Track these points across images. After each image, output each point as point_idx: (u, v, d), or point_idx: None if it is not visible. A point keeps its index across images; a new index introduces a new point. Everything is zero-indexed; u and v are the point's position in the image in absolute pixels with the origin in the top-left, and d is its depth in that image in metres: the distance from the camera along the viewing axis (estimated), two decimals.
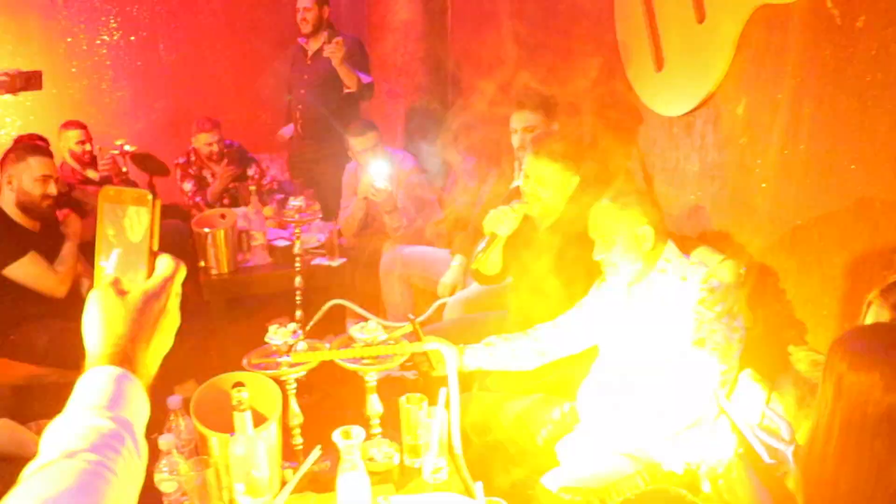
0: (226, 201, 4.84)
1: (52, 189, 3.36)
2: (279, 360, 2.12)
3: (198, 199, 4.88)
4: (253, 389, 1.90)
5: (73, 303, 3.36)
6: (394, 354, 2.20)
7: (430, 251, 4.11)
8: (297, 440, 2.19)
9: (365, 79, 4.88)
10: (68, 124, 4.91)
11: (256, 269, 3.99)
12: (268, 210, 4.38)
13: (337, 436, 1.90)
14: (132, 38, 5.96)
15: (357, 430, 1.92)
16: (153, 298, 0.90)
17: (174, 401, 2.01)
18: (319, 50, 4.86)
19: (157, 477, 1.83)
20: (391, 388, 3.60)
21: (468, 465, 2.03)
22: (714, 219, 2.83)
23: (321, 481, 2.04)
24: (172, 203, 5.08)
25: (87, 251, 3.66)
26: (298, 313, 3.21)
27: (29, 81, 3.50)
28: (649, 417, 2.23)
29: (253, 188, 4.61)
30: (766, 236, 2.55)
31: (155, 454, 1.85)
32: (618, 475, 2.21)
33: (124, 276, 0.93)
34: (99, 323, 0.87)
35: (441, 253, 4.07)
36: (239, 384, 1.83)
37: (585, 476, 2.19)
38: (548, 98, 3.40)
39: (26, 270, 3.29)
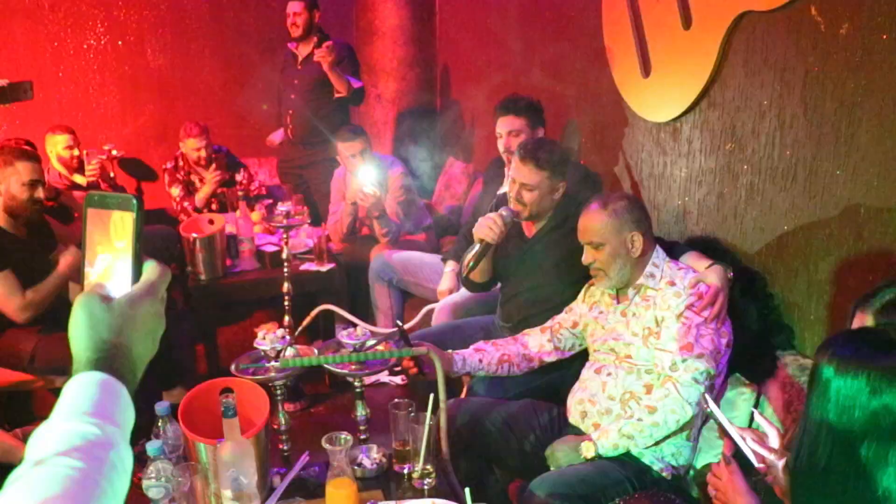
0: (214, 207, 4.82)
1: (40, 193, 3.34)
2: (267, 365, 2.12)
3: (186, 204, 4.86)
4: (241, 395, 1.90)
5: (60, 309, 3.34)
6: (382, 360, 2.20)
7: (418, 256, 4.11)
8: (285, 446, 2.18)
9: (355, 83, 4.88)
10: (56, 129, 4.89)
11: (244, 274, 3.98)
12: (256, 215, 4.37)
13: (325, 442, 1.90)
14: (119, 42, 5.93)
15: (345, 436, 1.92)
16: (138, 304, 0.90)
17: (162, 407, 2.01)
18: (309, 55, 4.86)
19: (144, 483, 1.81)
20: (379, 393, 3.61)
21: (456, 470, 2.03)
22: (701, 224, 2.85)
23: (309, 487, 2.04)
24: (160, 208, 5.07)
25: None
26: (287, 319, 3.20)
27: (20, 92, 3.48)
28: (638, 423, 2.23)
29: (241, 193, 4.60)
30: (752, 242, 2.57)
31: (143, 460, 1.84)
32: (606, 481, 2.21)
33: (109, 282, 0.93)
34: (84, 328, 0.87)
35: (430, 258, 4.07)
36: (227, 390, 1.83)
37: (574, 482, 2.19)
38: (533, 103, 3.41)
39: None
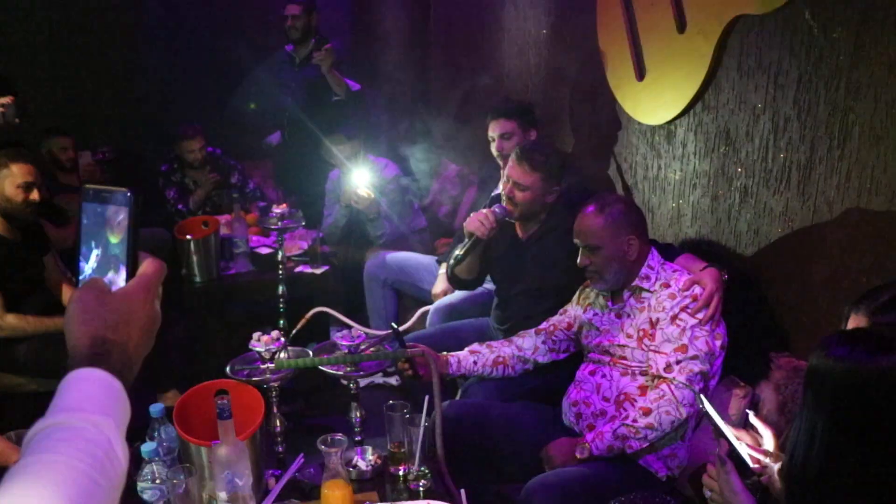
0: (208, 209, 4.82)
1: (35, 195, 3.31)
2: (262, 367, 2.12)
3: (180, 206, 4.85)
4: (236, 397, 1.90)
5: (53, 312, 3.33)
6: (377, 361, 2.20)
7: (413, 258, 4.11)
8: (280, 448, 2.18)
9: (354, 86, 4.88)
10: (51, 131, 4.87)
11: (239, 276, 3.97)
12: (250, 218, 4.37)
13: (320, 443, 1.90)
14: (114, 44, 5.92)
15: (340, 438, 1.92)
16: (134, 298, 0.90)
17: (156, 409, 2.00)
18: (307, 57, 4.86)
19: (139, 485, 1.81)
20: (374, 395, 3.61)
21: (452, 472, 2.03)
22: (695, 227, 2.85)
23: (304, 489, 2.04)
24: (155, 211, 5.05)
25: (66, 259, 3.63)
26: (281, 321, 3.20)
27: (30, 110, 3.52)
28: (632, 424, 2.24)
29: (236, 195, 4.59)
30: (746, 244, 2.58)
31: (137, 463, 1.84)
32: (601, 482, 2.22)
33: (105, 277, 0.93)
34: (80, 323, 0.86)
35: (425, 260, 4.07)
36: (222, 392, 1.83)
37: (569, 483, 2.20)
38: (523, 105, 3.42)
39: None
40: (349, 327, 2.45)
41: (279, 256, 3.17)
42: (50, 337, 3.25)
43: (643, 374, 2.34)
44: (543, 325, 2.67)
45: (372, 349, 2.23)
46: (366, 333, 2.31)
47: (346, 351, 2.16)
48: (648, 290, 2.39)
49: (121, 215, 0.93)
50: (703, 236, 2.81)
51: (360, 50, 5.93)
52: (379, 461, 2.13)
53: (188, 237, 3.81)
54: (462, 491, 1.73)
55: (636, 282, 2.41)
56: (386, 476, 2.10)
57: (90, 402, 0.81)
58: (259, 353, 2.12)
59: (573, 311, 2.63)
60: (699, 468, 2.20)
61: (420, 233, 4.43)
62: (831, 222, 2.19)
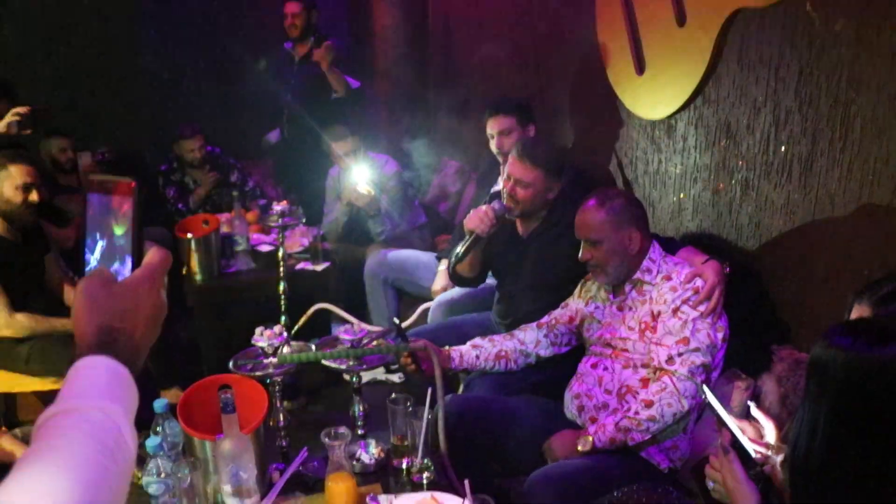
0: (208, 208, 4.82)
1: (35, 196, 3.30)
2: (265, 361, 2.12)
3: (180, 205, 4.85)
4: (239, 392, 1.90)
5: (55, 312, 3.33)
6: (379, 356, 2.21)
7: (414, 255, 4.11)
8: (284, 442, 2.18)
9: (353, 83, 4.88)
10: (50, 132, 4.87)
11: (240, 274, 3.97)
12: (251, 216, 4.37)
13: (324, 436, 1.90)
14: (112, 46, 5.92)
15: (343, 431, 1.92)
16: (140, 287, 0.90)
17: (160, 404, 2.00)
18: (306, 55, 4.86)
19: (144, 479, 1.82)
20: (377, 392, 3.61)
21: (454, 465, 2.03)
22: (697, 220, 2.86)
23: (308, 483, 2.04)
24: (155, 210, 5.05)
25: (67, 259, 3.63)
26: (283, 318, 3.20)
27: (42, 116, 3.51)
28: (634, 417, 2.24)
29: (235, 194, 4.60)
30: (748, 237, 2.58)
31: (142, 458, 1.84)
32: (603, 474, 2.22)
33: (110, 268, 0.93)
34: (86, 312, 0.86)
35: (425, 256, 4.08)
36: (225, 387, 1.83)
37: (571, 476, 2.20)
38: (521, 102, 3.42)
39: None
40: (351, 324, 2.45)
41: (280, 254, 3.17)
42: (52, 336, 3.25)
43: (645, 366, 2.35)
44: (545, 318, 2.67)
45: (374, 343, 2.23)
46: (367, 329, 2.31)
47: (349, 345, 2.16)
48: (650, 283, 2.39)
49: (125, 206, 0.93)
50: (704, 230, 2.81)
51: (360, 47, 5.93)
52: (382, 454, 2.13)
53: (189, 236, 3.81)
54: (466, 481, 1.73)
55: (638, 275, 2.42)
56: (389, 469, 2.10)
57: (98, 389, 0.81)
58: (262, 347, 2.13)
59: (575, 304, 2.63)
60: (701, 460, 2.21)
61: (420, 229, 4.44)
62: (833, 215, 2.20)
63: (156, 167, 5.03)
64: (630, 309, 2.42)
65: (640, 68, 3.06)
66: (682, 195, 2.93)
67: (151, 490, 1.80)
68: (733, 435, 1.62)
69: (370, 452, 2.13)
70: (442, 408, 2.10)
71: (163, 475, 1.81)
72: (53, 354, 3.20)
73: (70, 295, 3.49)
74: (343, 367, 2.16)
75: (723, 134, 2.65)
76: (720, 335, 2.31)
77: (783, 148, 2.37)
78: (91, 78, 5.93)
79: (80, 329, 0.87)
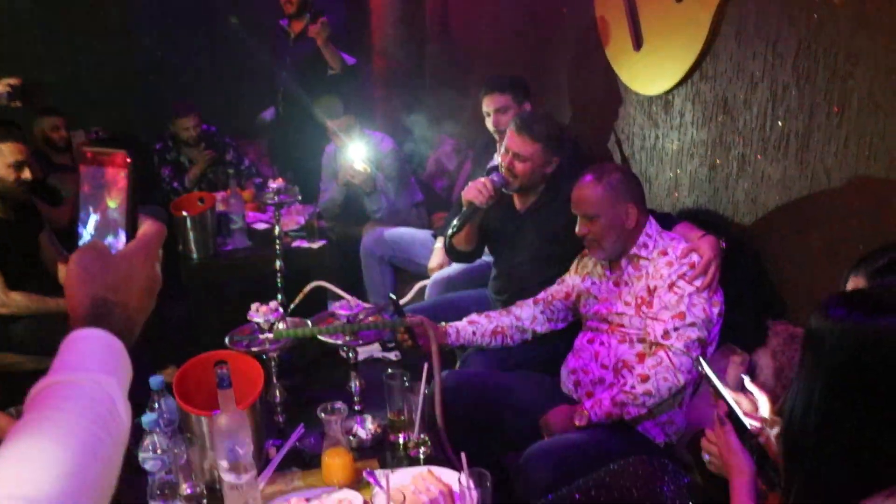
0: (203, 186, 4.80)
1: (27, 174, 3.28)
2: (261, 337, 2.12)
3: (175, 184, 4.84)
4: (235, 368, 1.90)
5: (50, 291, 3.32)
6: (375, 331, 2.21)
7: (410, 232, 4.11)
8: (281, 418, 2.19)
9: (349, 60, 4.85)
10: (45, 111, 4.84)
11: (236, 252, 3.96)
12: (246, 194, 4.35)
13: (320, 411, 1.91)
14: (106, 24, 5.87)
15: (339, 406, 1.92)
16: (134, 259, 0.89)
17: (156, 381, 2.00)
18: (302, 32, 4.82)
19: (141, 456, 1.82)
20: (373, 369, 3.61)
21: (451, 440, 2.04)
22: (693, 196, 2.85)
23: (305, 458, 2.05)
24: (150, 189, 5.02)
25: (62, 238, 3.61)
26: (279, 296, 3.20)
27: (32, 91, 3.48)
28: (630, 391, 2.25)
29: (231, 172, 4.58)
30: (744, 212, 2.58)
31: (138, 434, 1.84)
32: (600, 448, 2.23)
33: (104, 241, 0.92)
34: (80, 284, 0.86)
35: (420, 234, 4.07)
36: (221, 362, 1.83)
37: (568, 450, 2.21)
38: (516, 79, 3.40)
39: None
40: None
41: (276, 231, 3.17)
42: (46, 315, 3.24)
43: (641, 341, 2.35)
44: (541, 294, 2.67)
45: (370, 319, 2.23)
46: (363, 306, 2.31)
47: (345, 321, 2.16)
48: (646, 258, 2.39)
49: (119, 178, 0.92)
50: (700, 205, 2.81)
51: (356, 23, 5.88)
52: (379, 430, 2.14)
53: (184, 214, 3.80)
54: (462, 455, 1.74)
55: (634, 250, 2.42)
56: (386, 444, 2.11)
57: (92, 360, 0.81)
58: (258, 323, 2.13)
59: (571, 280, 2.63)
60: (697, 434, 2.21)
61: (417, 207, 4.43)
62: (829, 190, 2.19)
63: (150, 146, 5.01)
64: (626, 284, 2.42)
65: (638, 44, 3.04)
66: (678, 171, 2.93)
67: (148, 466, 1.81)
68: (729, 407, 1.62)
69: (367, 428, 2.14)
70: (439, 383, 2.11)
71: (159, 451, 1.81)
72: (48, 334, 3.19)
73: (63, 273, 3.48)
74: (339, 342, 2.16)
75: (720, 109, 2.64)
76: (716, 310, 2.31)
77: (780, 123, 2.36)
78: (85, 56, 5.88)
79: (74, 301, 0.86)
